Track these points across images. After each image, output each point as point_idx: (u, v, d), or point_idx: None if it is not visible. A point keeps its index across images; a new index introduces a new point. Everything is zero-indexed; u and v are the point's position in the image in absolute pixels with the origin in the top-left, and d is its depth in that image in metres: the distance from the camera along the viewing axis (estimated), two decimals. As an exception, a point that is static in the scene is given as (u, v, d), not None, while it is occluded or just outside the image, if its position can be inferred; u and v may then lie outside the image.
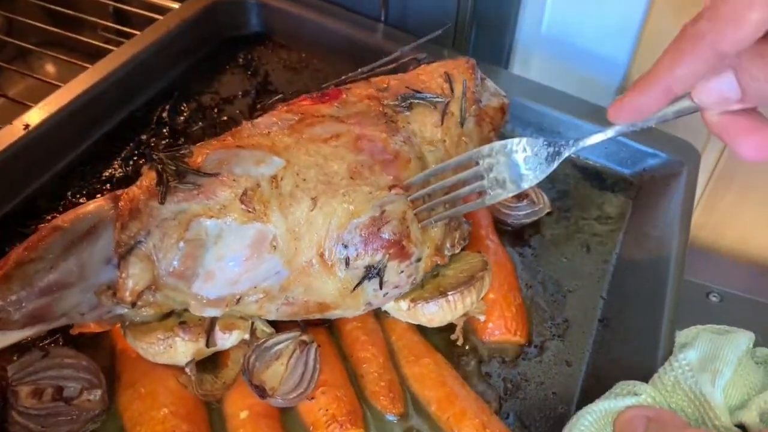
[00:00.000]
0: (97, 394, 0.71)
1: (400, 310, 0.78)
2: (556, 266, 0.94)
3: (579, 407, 0.71)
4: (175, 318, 0.74)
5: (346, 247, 0.70)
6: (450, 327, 0.81)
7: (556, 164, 0.68)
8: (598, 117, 1.03)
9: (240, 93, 1.14)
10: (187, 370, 0.72)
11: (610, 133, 0.66)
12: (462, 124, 0.81)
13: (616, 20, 1.14)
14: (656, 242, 0.92)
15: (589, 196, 1.04)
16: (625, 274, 0.92)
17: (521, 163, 0.69)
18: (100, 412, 0.71)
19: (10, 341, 0.68)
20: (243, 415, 0.73)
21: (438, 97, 0.80)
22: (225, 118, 1.09)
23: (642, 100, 0.57)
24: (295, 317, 0.75)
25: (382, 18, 1.18)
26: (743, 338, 0.71)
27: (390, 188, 0.71)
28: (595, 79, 1.22)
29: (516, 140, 0.68)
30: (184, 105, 1.10)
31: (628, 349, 0.81)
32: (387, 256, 0.71)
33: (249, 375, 0.71)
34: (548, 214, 0.98)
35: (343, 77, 0.90)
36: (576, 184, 1.06)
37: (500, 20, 1.17)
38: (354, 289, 0.72)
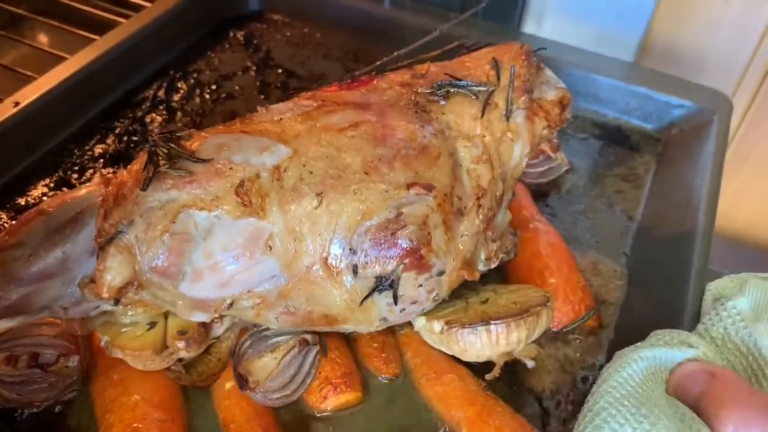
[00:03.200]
0: (75, 360, 0.67)
1: (432, 332, 0.68)
2: (576, 225, 0.89)
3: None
4: (159, 327, 0.66)
5: (353, 252, 0.60)
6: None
7: None
8: (617, 71, 1.05)
9: (240, 70, 1.11)
10: (173, 368, 0.65)
11: None
12: (508, 117, 0.69)
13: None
14: (685, 194, 0.88)
15: (612, 154, 1.00)
16: (650, 230, 0.88)
17: None
18: (79, 378, 0.67)
19: (-14, 331, 0.63)
20: (228, 385, 0.67)
21: (480, 86, 0.69)
22: (223, 95, 1.05)
23: None
24: (299, 327, 0.66)
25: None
26: None
27: (409, 187, 0.61)
28: (613, 34, 1.17)
29: None
30: (182, 83, 1.07)
31: (652, 303, 0.77)
32: (402, 266, 0.61)
33: (237, 360, 0.65)
34: (567, 172, 0.94)
35: (378, 62, 0.80)
36: (597, 142, 1.02)
37: None
38: (363, 301, 0.62)
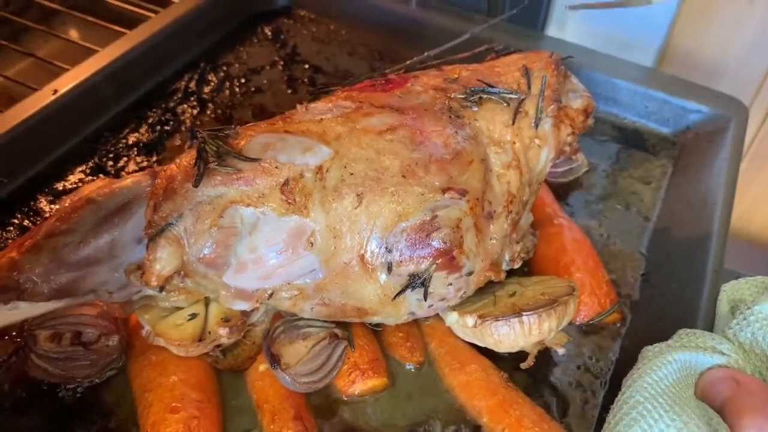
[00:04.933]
0: (114, 339, 0.70)
1: (465, 327, 0.71)
2: (594, 223, 0.92)
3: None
4: (200, 317, 0.69)
5: (389, 251, 0.64)
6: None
7: None
8: (637, 75, 1.08)
9: (267, 64, 1.14)
10: (211, 353, 0.69)
11: None
12: (537, 125, 0.73)
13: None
14: (701, 197, 0.91)
15: (630, 157, 1.03)
16: (666, 231, 0.91)
17: None
18: (118, 357, 0.71)
19: (36, 312, 0.66)
20: (262, 368, 0.71)
21: (512, 93, 0.72)
22: (252, 88, 1.08)
23: None
24: (331, 318, 0.70)
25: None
26: None
27: (444, 191, 0.64)
28: (634, 40, 1.21)
29: None
30: (212, 75, 1.10)
31: (667, 301, 0.80)
32: (434, 265, 0.64)
33: (269, 341, 0.68)
34: (586, 173, 0.98)
35: (408, 62, 0.83)
36: (616, 145, 1.05)
37: None
38: (395, 297, 0.65)
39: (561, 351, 0.70)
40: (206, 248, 0.62)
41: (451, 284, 0.66)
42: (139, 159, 0.94)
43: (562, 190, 0.95)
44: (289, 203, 0.63)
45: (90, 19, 1.14)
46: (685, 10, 1.18)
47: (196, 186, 0.62)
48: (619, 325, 0.80)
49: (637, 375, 0.62)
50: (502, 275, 0.71)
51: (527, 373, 0.73)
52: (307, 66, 1.14)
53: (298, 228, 0.63)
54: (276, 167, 0.63)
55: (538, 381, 0.74)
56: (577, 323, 0.79)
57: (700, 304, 0.76)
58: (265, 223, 0.63)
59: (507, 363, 0.74)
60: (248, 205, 0.63)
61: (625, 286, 0.84)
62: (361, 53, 1.17)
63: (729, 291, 0.74)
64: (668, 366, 0.62)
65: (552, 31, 1.24)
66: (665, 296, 0.82)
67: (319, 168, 0.64)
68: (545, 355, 0.76)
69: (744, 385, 0.59)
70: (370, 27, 1.20)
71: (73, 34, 1.20)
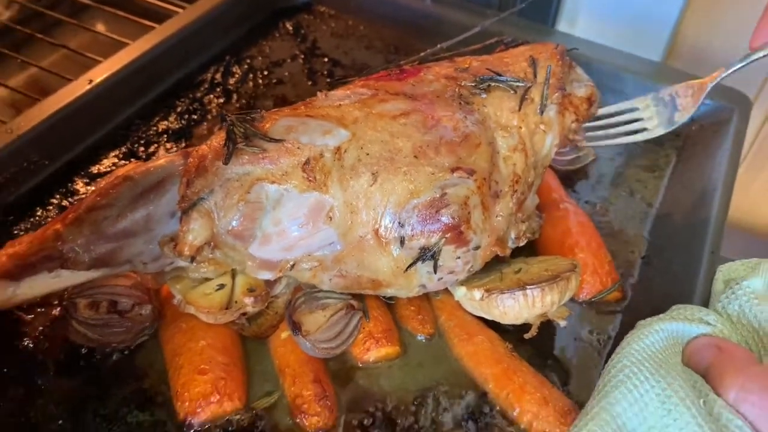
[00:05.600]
0: (147, 308, 0.76)
1: (473, 300, 0.75)
2: (599, 209, 0.97)
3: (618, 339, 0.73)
4: (227, 288, 0.75)
5: (402, 225, 0.69)
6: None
7: (702, 98, 0.88)
8: (643, 69, 1.12)
9: (289, 58, 1.20)
10: (236, 321, 0.75)
11: (751, 57, 0.83)
12: (542, 111, 0.77)
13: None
14: (702, 185, 0.95)
15: (636, 147, 1.06)
16: (667, 216, 0.95)
17: (671, 105, 0.88)
18: (150, 324, 0.77)
19: (76, 281, 0.72)
20: (284, 335, 0.76)
21: (519, 81, 0.77)
22: (274, 80, 1.14)
23: None
24: (348, 290, 0.75)
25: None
26: None
27: (453, 170, 0.69)
28: (642, 35, 1.25)
29: (665, 89, 0.90)
30: (236, 67, 1.16)
31: (666, 281, 0.84)
32: (444, 239, 0.69)
33: (291, 311, 0.74)
34: (592, 162, 1.03)
35: (422, 53, 0.89)
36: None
37: None
38: (407, 269, 0.71)
39: (562, 323, 0.75)
40: (234, 221, 0.68)
41: (459, 258, 0.71)
42: (168, 145, 1.00)
43: (569, 178, 1.00)
44: (310, 181, 0.68)
45: (120, 13, 1.21)
46: (693, 6, 1.22)
47: (225, 164, 0.67)
48: (619, 302, 0.84)
49: (625, 342, 0.66)
50: (508, 251, 0.76)
51: (531, 345, 0.78)
52: (326, 59, 1.19)
53: (318, 203, 0.68)
54: (298, 148, 0.69)
55: (541, 353, 0.79)
56: (580, 300, 0.84)
57: (696, 283, 0.80)
58: (288, 198, 0.68)
59: (512, 335, 0.78)
60: (273, 182, 0.68)
61: (626, 266, 0.89)
62: (377, 47, 1.22)
63: (725, 271, 0.78)
64: (655, 334, 0.66)
65: (562, 26, 1.29)
66: (664, 277, 0.86)
67: (338, 149, 0.69)
68: (548, 329, 0.81)
69: (726, 350, 0.63)
70: (386, 22, 1.25)
71: (101, 27, 1.26)
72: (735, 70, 0.84)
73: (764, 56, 0.80)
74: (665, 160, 1.05)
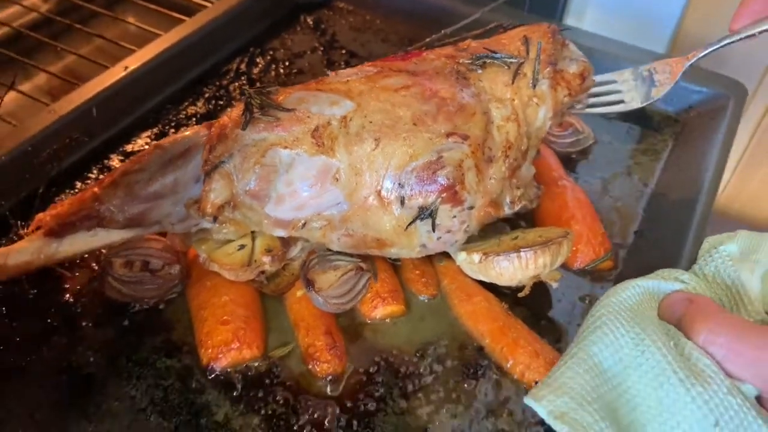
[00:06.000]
0: (176, 268, 0.84)
1: (472, 263, 0.81)
2: (597, 187, 1.02)
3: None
4: (248, 248, 0.83)
5: (402, 186, 0.76)
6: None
7: (678, 76, 0.91)
8: (644, 60, 1.11)
9: (309, 50, 1.28)
10: (256, 278, 0.82)
11: (730, 38, 0.87)
12: (534, 85, 0.84)
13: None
14: (695, 167, 1.00)
15: (636, 133, 1.13)
16: (662, 195, 1.01)
17: (649, 81, 0.91)
18: (178, 282, 0.84)
19: (112, 239, 0.80)
20: (299, 293, 0.83)
21: (512, 58, 0.84)
22: (295, 70, 1.23)
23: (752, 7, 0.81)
24: (355, 250, 0.82)
25: None
26: None
27: (449, 136, 0.76)
28: (648, 29, 1.30)
29: (644, 66, 0.93)
30: (260, 58, 1.25)
31: (657, 252, 0.88)
32: (440, 199, 0.76)
33: (305, 270, 0.81)
34: (593, 145, 1.08)
35: (428, 39, 0.95)
36: (623, 122, 1.14)
37: None
38: (407, 227, 0.77)
39: (555, 285, 0.80)
40: (251, 182, 0.76)
41: (455, 217, 0.78)
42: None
43: (569, 159, 1.06)
44: (319, 146, 0.75)
45: (151, 6, 1.31)
46: (691, 7, 1.27)
47: (243, 129, 0.75)
48: (611, 271, 0.90)
49: (604, 296, 0.72)
50: (501, 213, 0.82)
51: (526, 307, 0.84)
52: (343, 51, 1.27)
53: (326, 166, 0.76)
54: (308, 116, 0.76)
55: (535, 314, 0.84)
56: (575, 268, 0.89)
57: (683, 253, 0.84)
58: (299, 162, 0.76)
59: (508, 298, 0.85)
60: (285, 147, 0.76)
61: (620, 238, 0.94)
62: (392, 40, 1.29)
63: (710, 241, 0.83)
64: (632, 290, 0.72)
65: (570, 21, 1.34)
66: (655, 249, 0.91)
67: (344, 117, 0.77)
68: (544, 294, 0.87)
69: (697, 302, 0.68)
70: (401, 17, 1.32)
71: (132, 19, 1.36)
72: (713, 50, 0.88)
73: (742, 38, 0.84)
74: (663, 145, 1.10)
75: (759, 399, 0.63)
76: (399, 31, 1.31)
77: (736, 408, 0.60)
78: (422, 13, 1.30)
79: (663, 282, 0.73)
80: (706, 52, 0.89)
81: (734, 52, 1.32)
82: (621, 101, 0.95)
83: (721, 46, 0.87)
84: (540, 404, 0.61)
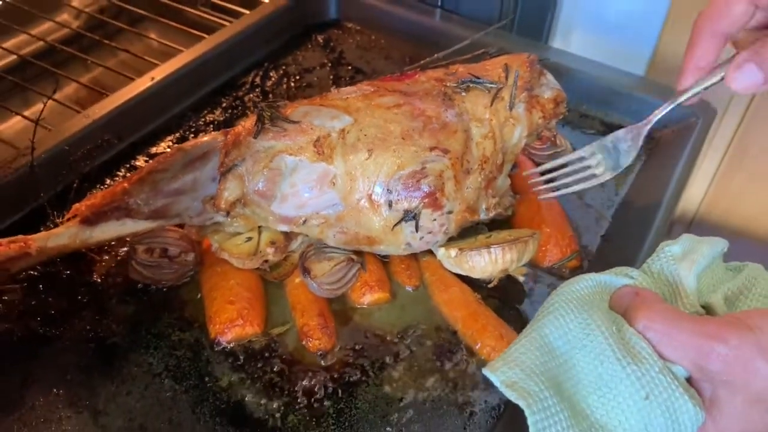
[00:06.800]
0: (191, 255, 0.96)
1: (450, 257, 0.93)
2: (572, 195, 1.10)
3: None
4: (254, 240, 0.95)
5: (390, 192, 0.88)
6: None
7: (641, 141, 0.97)
8: (623, 81, 1.30)
9: (318, 65, 1.41)
10: (260, 266, 0.94)
11: (675, 101, 0.93)
12: (511, 108, 0.96)
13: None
14: (664, 178, 1.11)
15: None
16: (630, 202, 1.12)
17: (615, 151, 0.98)
18: (193, 268, 0.96)
19: (137, 229, 0.92)
20: (297, 280, 0.95)
21: (493, 83, 0.96)
22: (304, 84, 1.35)
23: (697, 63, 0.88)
24: (348, 246, 0.94)
25: (439, 3, 1.44)
26: (719, 242, 0.82)
27: (432, 149, 0.88)
28: (628, 51, 1.42)
29: (608, 137, 0.99)
30: (273, 72, 1.38)
31: (620, 256, 0.98)
32: (422, 203, 0.88)
33: (303, 260, 0.93)
34: None
35: (422, 62, 1.08)
36: (601, 137, 1.22)
37: (541, 2, 1.41)
38: (394, 227, 0.89)
39: (521, 278, 0.92)
40: (260, 183, 0.88)
41: (435, 220, 0.89)
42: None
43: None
44: (319, 154, 0.88)
45: (173, 24, 1.44)
46: (669, 26, 1.38)
47: (255, 138, 0.87)
48: (576, 270, 1.00)
49: (558, 288, 0.82)
50: (477, 217, 0.94)
51: (498, 299, 0.95)
52: (350, 67, 1.39)
53: (325, 172, 0.88)
54: (311, 128, 0.88)
55: (505, 305, 0.95)
56: (543, 266, 1.00)
57: (640, 255, 0.96)
58: (302, 167, 0.88)
59: (482, 290, 0.96)
60: (290, 154, 0.88)
61: (588, 242, 1.05)
62: (394, 58, 1.42)
63: (662, 245, 0.93)
64: (585, 282, 0.81)
65: (557, 43, 1.46)
66: (619, 252, 1.02)
67: (342, 130, 0.89)
68: (514, 289, 0.98)
69: (642, 294, 0.76)
70: (403, 37, 1.44)
71: (153, 36, 1.49)
72: (665, 113, 0.96)
73: (690, 98, 0.92)
74: (637, 159, 1.19)
75: (689, 381, 0.72)
76: (401, 50, 1.43)
77: (666, 384, 0.67)
78: (421, 34, 1.42)
79: (614, 277, 0.82)
80: (660, 115, 0.97)
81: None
82: (593, 175, 0.99)
83: (673, 107, 0.94)
84: (494, 374, 0.72)
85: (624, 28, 1.41)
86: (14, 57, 1.38)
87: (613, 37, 1.43)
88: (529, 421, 0.67)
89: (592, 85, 1.29)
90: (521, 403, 0.68)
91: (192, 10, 1.50)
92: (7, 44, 1.42)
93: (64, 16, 1.58)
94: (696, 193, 1.71)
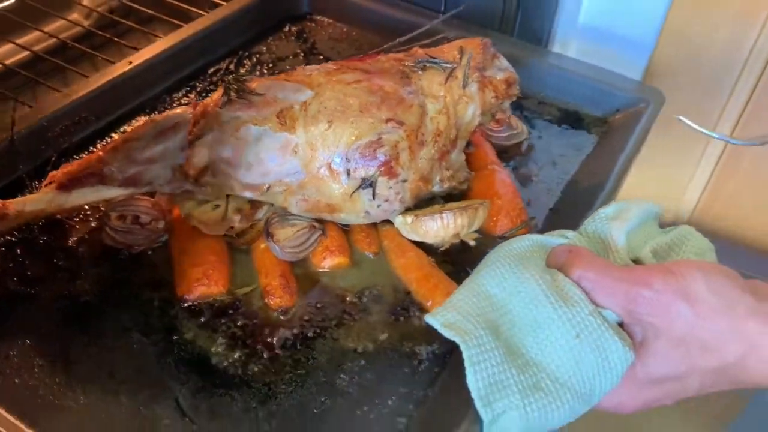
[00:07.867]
0: (161, 223, 1.02)
1: (406, 224, 1.00)
2: (526, 174, 1.20)
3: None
4: (222, 208, 1.01)
5: (348, 161, 0.94)
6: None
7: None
8: (580, 70, 1.38)
9: (291, 55, 1.48)
10: (227, 233, 1.00)
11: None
12: (464, 86, 1.02)
13: (644, 9, 1.43)
14: (612, 158, 1.17)
15: (567, 131, 1.31)
16: (579, 180, 1.19)
17: None
18: (163, 234, 1.02)
19: (111, 195, 0.97)
20: (262, 246, 1.01)
21: (447, 63, 1.03)
22: (277, 71, 1.40)
23: None
24: (310, 213, 1.00)
25: (442, 8, 1.46)
26: (653, 206, 0.88)
27: (388, 121, 0.94)
28: (626, 57, 1.48)
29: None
30: (247, 60, 1.45)
31: (564, 226, 0.98)
32: (378, 172, 0.94)
33: (267, 225, 0.99)
34: (526, 139, 1.27)
35: (385, 46, 1.14)
36: (557, 123, 1.33)
37: (541, 10, 1.47)
38: (352, 194, 0.95)
39: (472, 243, 0.99)
40: (226, 152, 0.94)
41: (391, 188, 0.96)
42: (187, 114, 1.26)
43: (504, 151, 1.23)
44: (282, 124, 0.94)
45: (177, 23, 1.47)
46: (665, 34, 1.46)
47: (220, 108, 0.93)
48: (529, 237, 1.07)
49: (497, 246, 0.88)
50: (430, 187, 1.00)
51: (451, 264, 1.02)
52: (321, 57, 1.45)
53: (287, 141, 0.94)
54: (275, 100, 0.95)
55: (457, 270, 1.01)
56: (495, 235, 1.06)
57: (582, 223, 1.02)
58: (266, 137, 0.94)
59: (437, 256, 1.02)
60: (255, 125, 0.94)
61: (537, 213, 1.11)
62: (365, 49, 1.47)
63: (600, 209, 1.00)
64: (521, 242, 0.87)
65: (556, 48, 1.52)
66: (564, 222, 1.07)
67: (304, 103, 0.95)
68: (466, 254, 1.04)
69: (574, 250, 0.82)
70: (374, 29, 1.51)
71: (160, 35, 1.53)
72: None
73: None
74: (589, 142, 1.27)
75: (622, 325, 0.77)
76: (371, 42, 1.49)
77: (595, 326, 0.73)
78: (393, 26, 1.47)
79: (551, 238, 0.88)
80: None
81: (700, 80, 1.51)
82: None
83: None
84: (434, 318, 0.78)
85: (621, 34, 1.47)
86: (27, 53, 1.44)
87: (611, 43, 1.49)
88: (464, 355, 0.73)
89: (552, 73, 1.37)
90: (457, 340, 0.74)
91: (199, 11, 1.55)
92: (21, 41, 1.47)
93: (75, 15, 1.64)
94: (691, 197, 1.76)
